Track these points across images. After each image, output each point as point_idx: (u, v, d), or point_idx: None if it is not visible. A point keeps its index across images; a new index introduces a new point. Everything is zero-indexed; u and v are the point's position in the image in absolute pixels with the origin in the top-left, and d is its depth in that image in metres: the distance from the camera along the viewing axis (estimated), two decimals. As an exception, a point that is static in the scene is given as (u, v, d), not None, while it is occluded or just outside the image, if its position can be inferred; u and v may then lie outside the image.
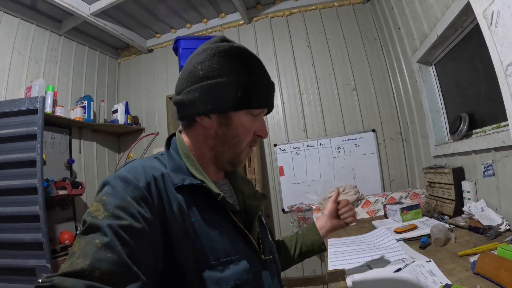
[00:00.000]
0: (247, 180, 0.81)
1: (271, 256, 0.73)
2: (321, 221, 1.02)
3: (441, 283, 0.86)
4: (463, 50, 1.67)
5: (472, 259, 0.96)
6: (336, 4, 2.95)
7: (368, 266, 1.10)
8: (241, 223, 0.66)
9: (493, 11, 1.11)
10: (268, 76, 0.69)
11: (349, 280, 1.00)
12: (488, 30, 1.15)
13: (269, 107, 0.71)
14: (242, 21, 3.15)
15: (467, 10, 1.32)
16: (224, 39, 0.68)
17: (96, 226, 0.47)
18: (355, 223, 1.01)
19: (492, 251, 0.97)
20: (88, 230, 0.47)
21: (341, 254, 1.30)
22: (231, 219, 0.64)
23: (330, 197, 2.30)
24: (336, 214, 1.01)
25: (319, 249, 0.99)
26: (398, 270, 1.00)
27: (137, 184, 0.54)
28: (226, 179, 0.78)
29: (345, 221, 1.00)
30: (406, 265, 1.04)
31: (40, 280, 0.43)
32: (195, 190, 0.61)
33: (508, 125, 1.14)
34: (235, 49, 0.65)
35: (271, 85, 0.70)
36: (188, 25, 3.27)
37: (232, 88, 0.62)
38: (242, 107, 0.65)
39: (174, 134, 0.74)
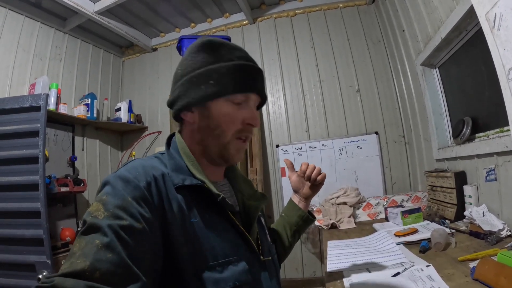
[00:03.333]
0: (246, 180, 0.81)
1: (270, 258, 0.73)
2: (294, 197, 0.98)
3: (440, 288, 0.85)
4: (467, 53, 1.65)
5: (472, 264, 0.96)
6: (340, 5, 2.94)
7: (367, 269, 1.10)
8: (241, 224, 0.66)
9: (495, 14, 1.09)
10: (245, 61, 0.67)
11: (346, 283, 1.00)
12: (491, 33, 1.14)
13: (251, 91, 0.67)
14: (246, 21, 3.15)
15: (471, 12, 1.30)
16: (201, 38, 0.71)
17: (96, 226, 0.47)
18: (323, 178, 0.92)
19: (492, 257, 0.96)
20: (88, 230, 0.47)
21: (340, 256, 1.30)
22: (230, 220, 0.64)
23: (331, 199, 2.30)
24: (302, 183, 0.96)
25: (308, 220, 0.96)
26: (397, 274, 1.00)
27: (138, 184, 0.54)
28: (225, 179, 0.78)
29: (315, 184, 0.94)
30: (405, 269, 1.03)
31: (40, 281, 0.43)
32: (195, 190, 0.61)
33: (510, 129, 1.12)
34: (205, 41, 0.68)
35: (250, 68, 0.67)
36: (193, 24, 3.27)
37: (203, 78, 0.64)
38: (217, 95, 0.64)
39: (174, 134, 0.74)
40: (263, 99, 0.72)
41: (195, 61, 0.66)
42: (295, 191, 0.98)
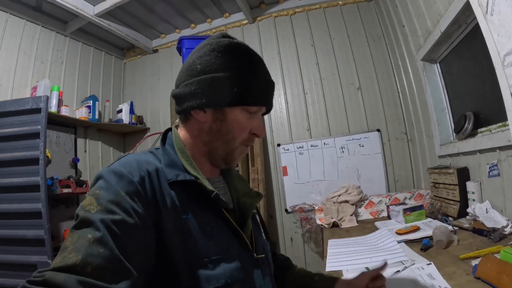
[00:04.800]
0: (241, 178, 0.81)
1: (264, 255, 0.72)
2: (343, 284, 0.84)
3: (440, 287, 0.83)
4: (467, 47, 1.63)
5: (474, 262, 0.93)
6: (340, 2, 2.92)
7: (367, 268, 1.08)
8: (235, 221, 0.65)
9: (488, -2, 1.07)
10: (267, 75, 0.68)
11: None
12: (484, 19, 1.10)
13: (267, 105, 0.69)
14: (246, 21, 3.14)
15: (470, 5, 1.28)
16: (225, 35, 0.68)
17: (89, 220, 0.47)
18: None
19: (495, 255, 0.94)
20: (81, 224, 0.47)
21: (340, 255, 1.29)
22: (224, 216, 0.63)
23: (333, 197, 2.27)
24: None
25: None
26: (397, 272, 0.98)
27: (131, 179, 0.54)
28: (220, 176, 0.77)
29: None
30: (405, 267, 1.01)
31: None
32: (188, 186, 0.61)
33: (508, 118, 1.09)
34: (234, 44, 0.65)
35: (270, 84, 0.69)
36: (193, 25, 3.27)
37: (228, 83, 0.62)
38: (238, 103, 0.64)
39: (170, 129, 0.73)
40: (268, 109, 0.72)
41: (220, 61, 0.63)
42: (351, 283, 0.83)
